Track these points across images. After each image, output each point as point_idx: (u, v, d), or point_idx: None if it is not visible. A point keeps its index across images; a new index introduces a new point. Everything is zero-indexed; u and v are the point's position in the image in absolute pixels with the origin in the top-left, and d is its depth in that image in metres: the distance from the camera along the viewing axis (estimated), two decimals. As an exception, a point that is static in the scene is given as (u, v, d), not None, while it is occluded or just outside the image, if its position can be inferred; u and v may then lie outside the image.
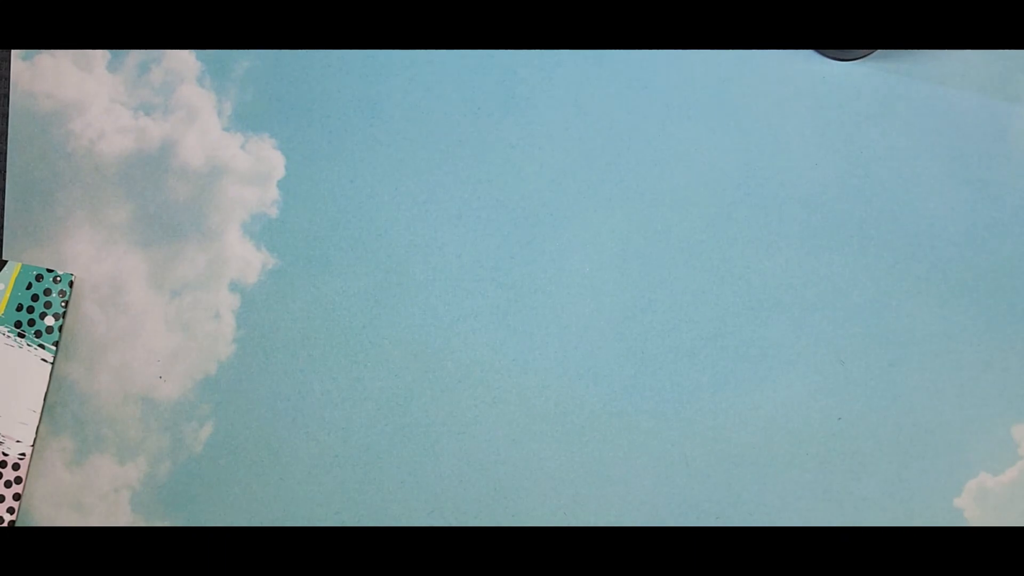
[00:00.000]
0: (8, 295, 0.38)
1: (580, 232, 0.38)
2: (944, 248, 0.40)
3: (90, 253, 0.39)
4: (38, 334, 0.38)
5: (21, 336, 0.38)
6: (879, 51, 0.41)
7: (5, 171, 0.39)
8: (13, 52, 0.40)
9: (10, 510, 0.37)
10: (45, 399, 0.38)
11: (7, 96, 0.40)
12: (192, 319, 0.39)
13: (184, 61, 0.40)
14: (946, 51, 0.40)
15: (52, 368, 0.38)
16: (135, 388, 0.38)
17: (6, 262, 0.38)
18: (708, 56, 0.41)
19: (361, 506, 0.38)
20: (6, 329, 0.38)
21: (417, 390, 0.38)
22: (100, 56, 0.40)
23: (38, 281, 0.38)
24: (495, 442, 0.37)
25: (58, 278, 0.38)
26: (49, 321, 0.38)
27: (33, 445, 0.37)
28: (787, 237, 0.40)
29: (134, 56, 0.40)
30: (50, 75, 0.40)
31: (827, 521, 0.37)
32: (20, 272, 0.38)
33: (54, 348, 0.38)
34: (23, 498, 0.37)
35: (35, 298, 0.38)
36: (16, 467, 0.37)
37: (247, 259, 0.39)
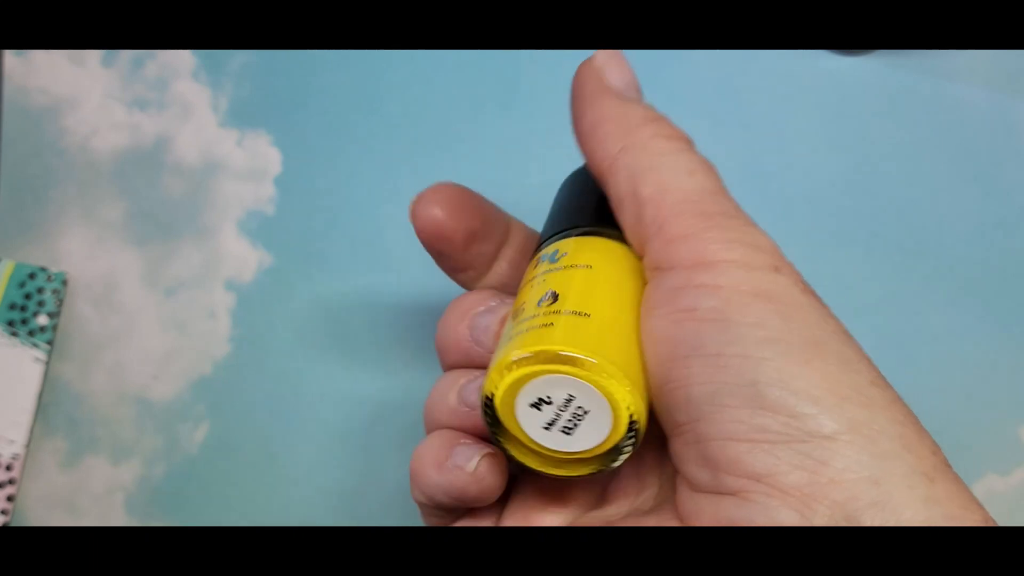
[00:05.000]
0: (1, 294, 0.37)
1: (581, 230, 0.38)
2: (952, 246, 0.39)
3: (84, 251, 0.38)
4: (31, 333, 0.37)
5: (14, 335, 0.37)
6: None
7: (-2, 168, 0.39)
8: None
9: (3, 511, 0.36)
10: (39, 399, 0.37)
11: None
12: (187, 318, 0.38)
13: (179, 56, 0.40)
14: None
15: (46, 368, 0.37)
16: (129, 388, 0.38)
17: (-1, 260, 0.38)
18: (712, 52, 0.40)
19: (359, 507, 0.37)
20: (-1, 328, 0.37)
21: (416, 390, 0.38)
22: (94, 52, 0.40)
23: (31, 279, 0.38)
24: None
25: (51, 276, 0.38)
26: (42, 320, 0.37)
27: (27, 446, 0.37)
28: (792, 235, 0.39)
29: (128, 51, 0.40)
30: (43, 70, 0.39)
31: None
32: (13, 270, 0.38)
33: (47, 347, 0.37)
34: (16, 499, 0.37)
35: (28, 296, 0.37)
36: (9, 468, 0.37)
37: (243, 257, 0.39)
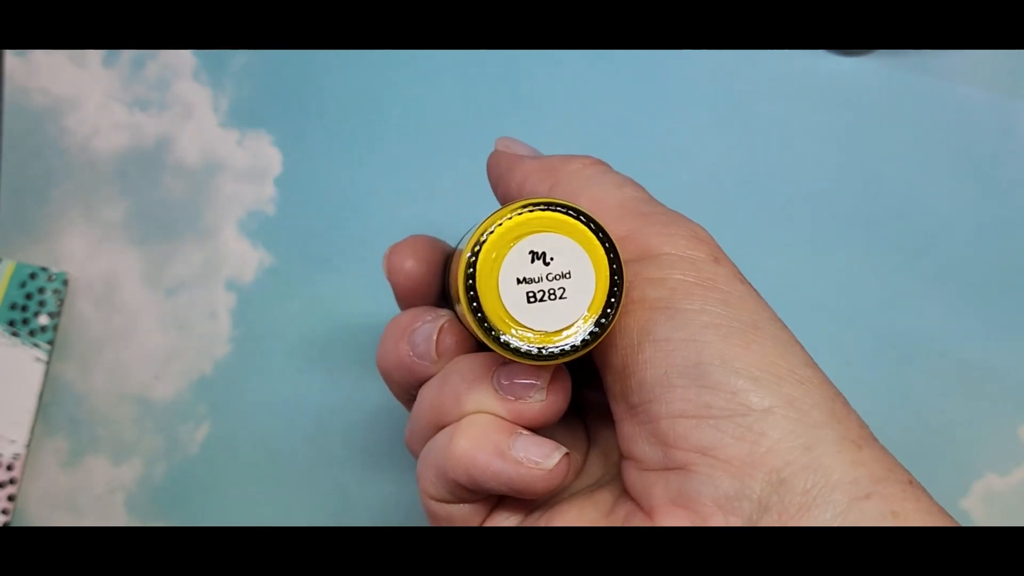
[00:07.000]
0: (2, 294, 0.38)
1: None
2: (952, 247, 0.39)
3: (84, 251, 0.39)
4: (32, 333, 0.37)
5: (15, 335, 0.37)
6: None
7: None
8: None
9: (4, 511, 0.37)
10: (39, 399, 0.37)
11: (0, 92, 0.39)
12: (188, 318, 0.38)
13: (180, 56, 0.40)
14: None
15: (47, 367, 0.38)
16: (130, 388, 0.38)
17: (0, 260, 0.38)
18: (712, 52, 0.40)
19: (360, 508, 0.37)
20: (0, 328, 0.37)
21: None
22: (95, 52, 0.40)
23: (32, 279, 0.38)
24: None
25: (52, 276, 0.38)
26: (43, 320, 0.38)
27: (28, 445, 0.37)
28: (792, 235, 0.39)
29: (129, 51, 0.40)
30: (44, 70, 0.40)
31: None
32: (14, 270, 0.38)
33: (48, 347, 0.38)
34: (17, 499, 0.37)
35: (29, 296, 0.38)
36: (10, 468, 0.37)
37: (244, 257, 0.39)
